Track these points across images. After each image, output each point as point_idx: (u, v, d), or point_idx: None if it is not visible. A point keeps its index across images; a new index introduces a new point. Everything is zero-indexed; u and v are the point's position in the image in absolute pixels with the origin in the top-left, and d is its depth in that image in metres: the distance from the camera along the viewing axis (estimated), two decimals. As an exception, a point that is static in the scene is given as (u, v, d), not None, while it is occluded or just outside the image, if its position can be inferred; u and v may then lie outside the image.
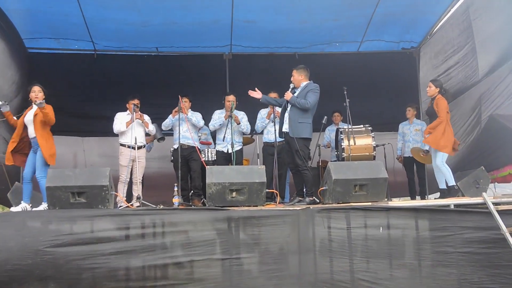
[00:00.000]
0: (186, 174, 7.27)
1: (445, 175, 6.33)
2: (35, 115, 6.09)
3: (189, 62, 9.12)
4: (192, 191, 7.25)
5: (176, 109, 7.06)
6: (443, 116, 6.32)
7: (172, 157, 7.53)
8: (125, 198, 6.66)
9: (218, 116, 7.41)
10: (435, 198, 6.69)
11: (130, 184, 6.99)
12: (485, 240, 4.97)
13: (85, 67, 8.91)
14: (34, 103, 6.05)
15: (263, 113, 7.40)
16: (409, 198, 8.02)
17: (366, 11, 8.06)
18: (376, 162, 5.92)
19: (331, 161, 7.46)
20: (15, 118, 6.40)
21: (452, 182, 6.30)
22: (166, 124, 7.41)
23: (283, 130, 6.19)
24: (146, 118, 7.23)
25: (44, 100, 5.96)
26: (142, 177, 7.11)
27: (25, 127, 6.18)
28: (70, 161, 9.36)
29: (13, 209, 5.91)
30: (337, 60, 9.07)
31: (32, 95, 6.18)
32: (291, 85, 6.28)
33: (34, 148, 6.11)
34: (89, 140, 9.58)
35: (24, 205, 5.90)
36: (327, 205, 5.34)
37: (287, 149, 6.25)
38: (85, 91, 8.95)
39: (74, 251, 4.66)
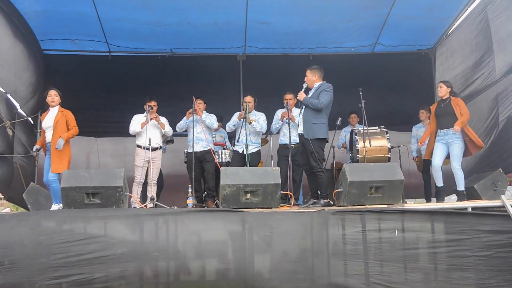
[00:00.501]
0: (200, 175, 7.24)
1: (459, 178, 6.24)
2: (56, 121, 6.15)
3: (203, 63, 9.11)
4: (205, 193, 7.23)
5: (191, 110, 7.05)
6: (468, 112, 6.31)
7: (186, 159, 7.52)
8: (139, 199, 6.67)
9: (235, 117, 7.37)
10: (456, 201, 6.59)
11: (146, 185, 7.00)
12: (504, 244, 4.84)
13: (100, 68, 8.99)
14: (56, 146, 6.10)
15: (279, 114, 7.28)
16: (423, 199, 7.92)
17: (381, 11, 8.01)
18: (392, 164, 5.83)
19: (346, 163, 7.40)
20: (30, 119, 6.50)
21: (463, 187, 6.24)
22: (180, 125, 7.41)
23: (298, 131, 6.15)
24: (163, 119, 7.22)
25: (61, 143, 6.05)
26: (161, 179, 7.11)
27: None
28: (83, 161, 9.42)
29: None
30: (352, 61, 9.03)
31: (49, 99, 6.27)
32: (304, 85, 6.24)
33: (49, 152, 6.16)
34: (102, 140, 9.61)
35: (59, 206, 5.92)
36: (342, 207, 5.28)
37: (302, 150, 6.21)
38: (99, 92, 9.00)
39: (87, 251, 4.66)
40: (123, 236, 4.79)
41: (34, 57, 8.01)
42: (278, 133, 7.35)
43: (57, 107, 6.29)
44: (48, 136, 6.21)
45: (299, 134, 6.16)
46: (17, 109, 7.56)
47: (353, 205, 5.35)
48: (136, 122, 7.13)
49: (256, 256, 4.84)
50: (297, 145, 6.65)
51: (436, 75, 9.05)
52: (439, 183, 6.44)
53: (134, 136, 7.22)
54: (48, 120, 6.24)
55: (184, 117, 7.31)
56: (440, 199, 6.55)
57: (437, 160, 6.38)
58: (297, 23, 8.09)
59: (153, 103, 7.13)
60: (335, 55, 9.04)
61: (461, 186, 6.21)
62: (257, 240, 4.87)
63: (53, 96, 6.27)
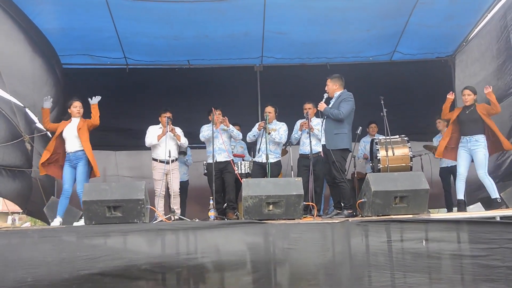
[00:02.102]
0: (220, 187, 7.17)
1: (489, 186, 6.07)
2: (79, 129, 6.15)
3: (220, 74, 9.11)
4: (226, 204, 7.15)
5: (223, 123, 7.08)
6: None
7: (205, 171, 7.47)
8: (162, 212, 6.62)
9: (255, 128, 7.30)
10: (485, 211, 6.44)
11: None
12: (537, 254, 4.72)
13: (118, 81, 9.00)
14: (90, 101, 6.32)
15: (298, 124, 7.21)
16: (445, 209, 7.78)
17: (399, 20, 7.93)
18: (416, 173, 5.70)
19: (366, 172, 7.30)
20: (49, 134, 6.49)
21: (496, 194, 6.05)
22: (205, 136, 7.32)
23: (322, 142, 6.09)
24: (179, 131, 7.19)
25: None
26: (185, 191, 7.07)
27: (61, 141, 6.24)
28: (102, 175, 9.42)
29: (53, 224, 5.91)
30: (370, 70, 8.96)
31: (74, 110, 6.27)
32: (325, 95, 6.18)
33: (73, 163, 6.14)
34: (121, 153, 9.64)
35: (60, 220, 5.91)
36: (366, 218, 5.19)
37: (325, 160, 6.13)
38: (117, 105, 8.98)
39: (109, 266, 4.62)
40: (144, 250, 4.73)
41: (53, 71, 8.06)
42: (298, 143, 7.29)
43: (80, 118, 6.32)
44: (70, 146, 6.18)
45: (322, 145, 6.08)
46: (36, 123, 7.59)
47: (378, 215, 5.24)
48: (152, 135, 7.10)
49: (279, 268, 4.76)
50: (317, 154, 6.58)
51: (456, 82, 8.91)
52: (460, 195, 6.27)
53: (150, 148, 7.20)
54: (71, 130, 6.21)
55: (207, 127, 7.27)
56: (462, 211, 6.40)
57: (462, 169, 6.27)
58: (314, 33, 8.03)
59: (169, 114, 7.09)
60: (353, 64, 8.98)
61: (493, 194, 6.03)
62: (280, 252, 4.79)
63: (78, 107, 6.32)
